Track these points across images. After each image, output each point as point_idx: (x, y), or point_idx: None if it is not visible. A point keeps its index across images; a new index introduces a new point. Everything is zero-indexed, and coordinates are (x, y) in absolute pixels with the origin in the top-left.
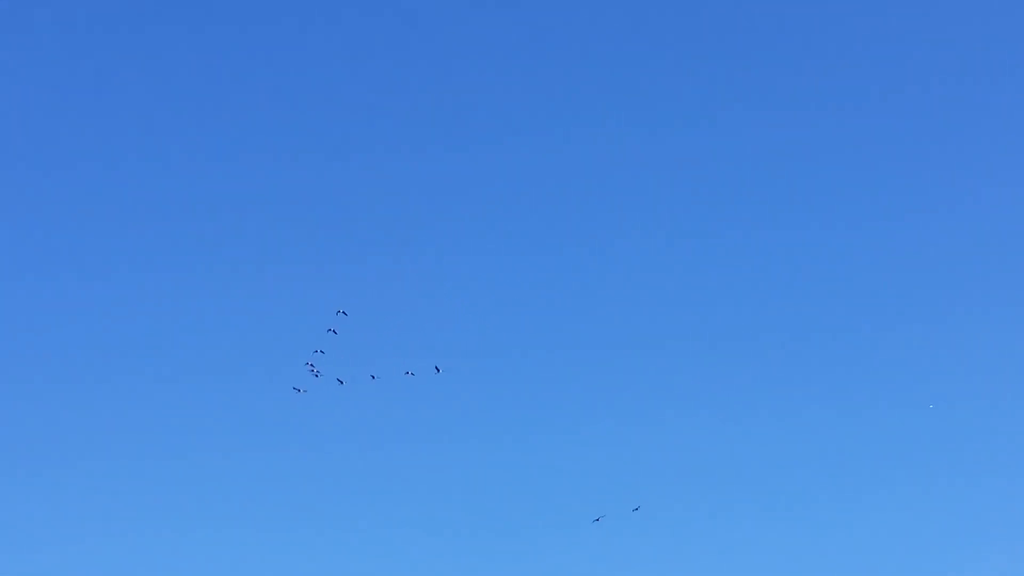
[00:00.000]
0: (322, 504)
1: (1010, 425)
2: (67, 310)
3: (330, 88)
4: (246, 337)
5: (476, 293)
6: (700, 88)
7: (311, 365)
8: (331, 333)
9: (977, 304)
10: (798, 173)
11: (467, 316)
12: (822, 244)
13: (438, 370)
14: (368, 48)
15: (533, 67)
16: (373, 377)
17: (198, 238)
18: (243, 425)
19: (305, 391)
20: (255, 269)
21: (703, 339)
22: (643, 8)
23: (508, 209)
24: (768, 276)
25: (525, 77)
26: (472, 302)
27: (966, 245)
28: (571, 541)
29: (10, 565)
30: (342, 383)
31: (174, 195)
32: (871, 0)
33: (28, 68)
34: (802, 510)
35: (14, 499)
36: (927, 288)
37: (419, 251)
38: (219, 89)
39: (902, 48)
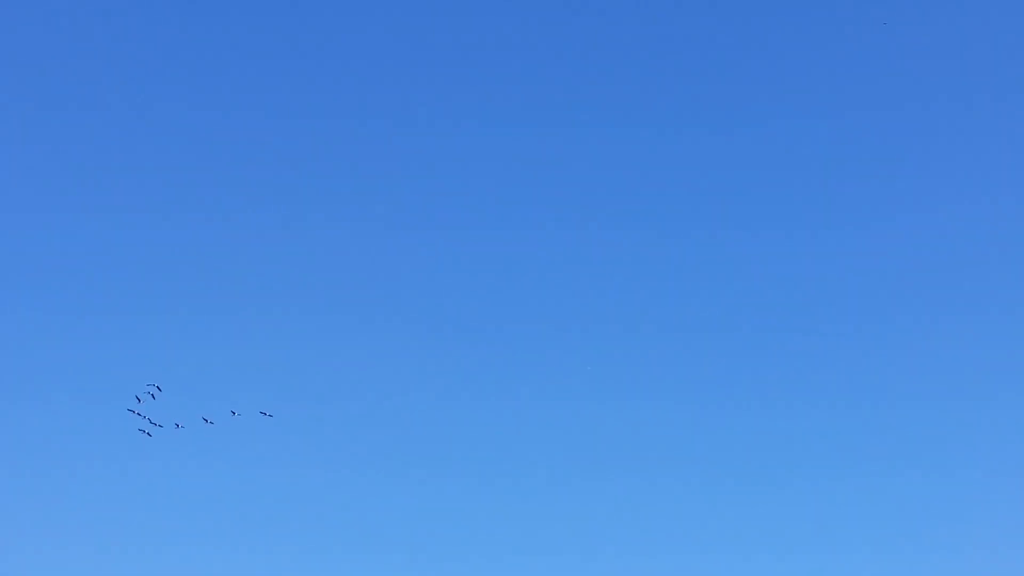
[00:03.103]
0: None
1: (1001, 422)
2: None
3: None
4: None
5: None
6: (702, 89)
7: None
8: (150, 395)
9: (967, 305)
10: (796, 173)
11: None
12: (816, 245)
13: (267, 415)
14: (366, 47)
15: (534, 67)
16: (207, 420)
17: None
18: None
19: (151, 435)
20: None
21: (693, 334)
22: (643, 10)
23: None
24: (761, 276)
25: (528, 76)
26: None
27: (954, 248)
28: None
29: None
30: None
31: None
32: (868, 4)
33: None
34: (795, 504)
35: None
36: (913, 288)
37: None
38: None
39: (900, 50)
